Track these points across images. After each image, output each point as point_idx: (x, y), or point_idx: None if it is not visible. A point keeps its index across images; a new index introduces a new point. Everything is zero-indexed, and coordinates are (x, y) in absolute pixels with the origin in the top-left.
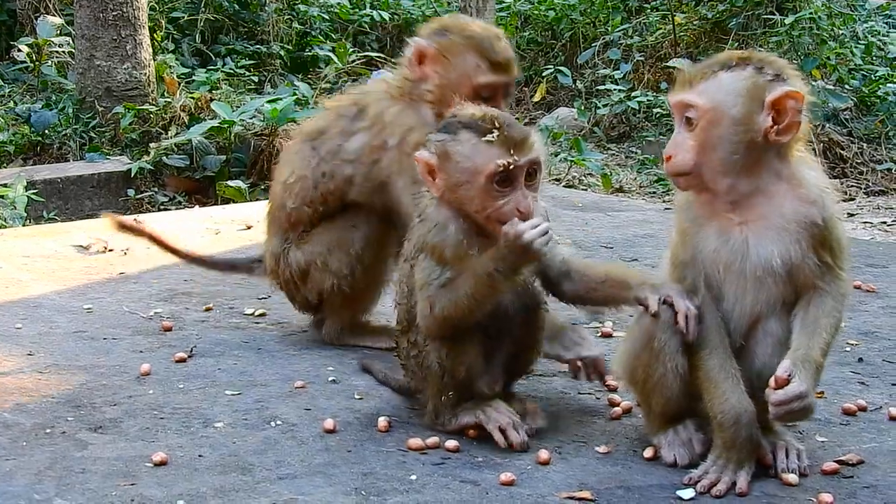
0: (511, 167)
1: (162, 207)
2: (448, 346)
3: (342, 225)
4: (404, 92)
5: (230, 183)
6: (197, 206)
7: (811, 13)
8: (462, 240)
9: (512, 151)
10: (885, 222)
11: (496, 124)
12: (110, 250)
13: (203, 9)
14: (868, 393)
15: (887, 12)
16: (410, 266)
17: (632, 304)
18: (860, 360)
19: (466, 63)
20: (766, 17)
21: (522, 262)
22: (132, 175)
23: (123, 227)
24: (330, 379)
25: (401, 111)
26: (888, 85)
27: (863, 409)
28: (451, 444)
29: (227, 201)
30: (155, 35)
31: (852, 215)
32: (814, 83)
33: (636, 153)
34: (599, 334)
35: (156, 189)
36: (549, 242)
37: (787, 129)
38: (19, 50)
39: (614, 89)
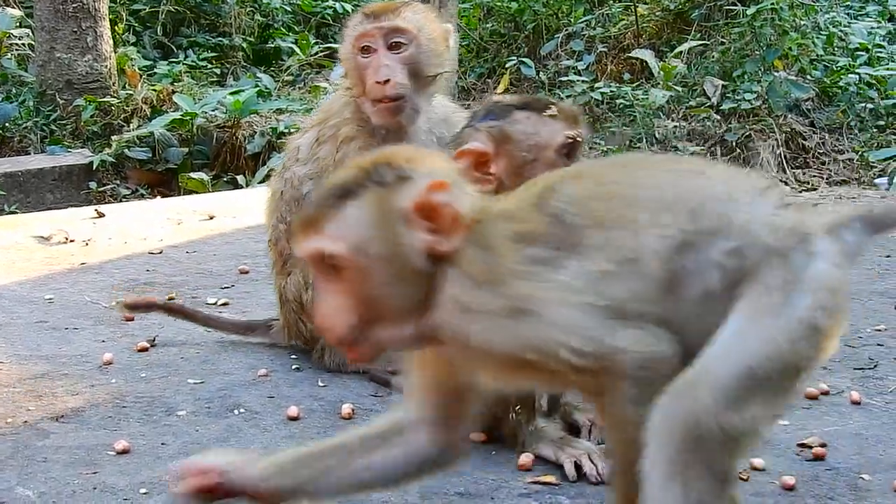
0: (578, 139)
1: (124, 200)
2: None
3: None
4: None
5: (193, 175)
6: (162, 199)
7: (773, 4)
8: None
9: (573, 124)
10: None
11: (549, 101)
12: (71, 241)
13: (164, 1)
14: (831, 377)
15: (848, 3)
16: None
17: None
18: None
19: (351, 26)
20: (728, 7)
21: None
22: (94, 168)
23: (134, 308)
24: (294, 367)
25: (332, 102)
26: (849, 75)
27: (825, 394)
28: None
29: (189, 193)
30: (116, 27)
31: (815, 205)
32: (776, 73)
33: (600, 144)
34: None
35: (118, 182)
36: None
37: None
38: None
39: (577, 80)
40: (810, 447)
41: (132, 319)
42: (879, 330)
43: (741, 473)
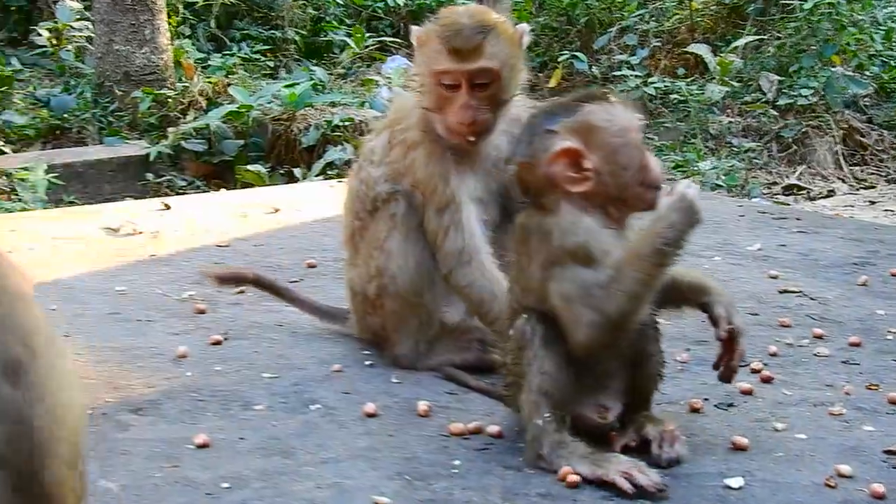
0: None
1: (181, 191)
2: (552, 355)
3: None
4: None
5: (249, 167)
6: (225, 191)
7: None
8: (603, 228)
9: (633, 109)
10: None
11: (603, 90)
12: (140, 232)
13: None
14: None
15: None
16: (535, 281)
17: (699, 309)
18: None
19: (430, 50)
20: (784, 1)
21: (690, 225)
22: (151, 159)
23: (225, 280)
24: (367, 363)
25: (411, 107)
26: None
27: None
28: (494, 429)
29: (245, 185)
30: (171, 20)
31: (873, 203)
32: (833, 69)
33: (653, 139)
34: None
35: (174, 173)
36: None
37: None
38: (39, 34)
39: (631, 75)
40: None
41: (204, 312)
42: None
43: (828, 480)
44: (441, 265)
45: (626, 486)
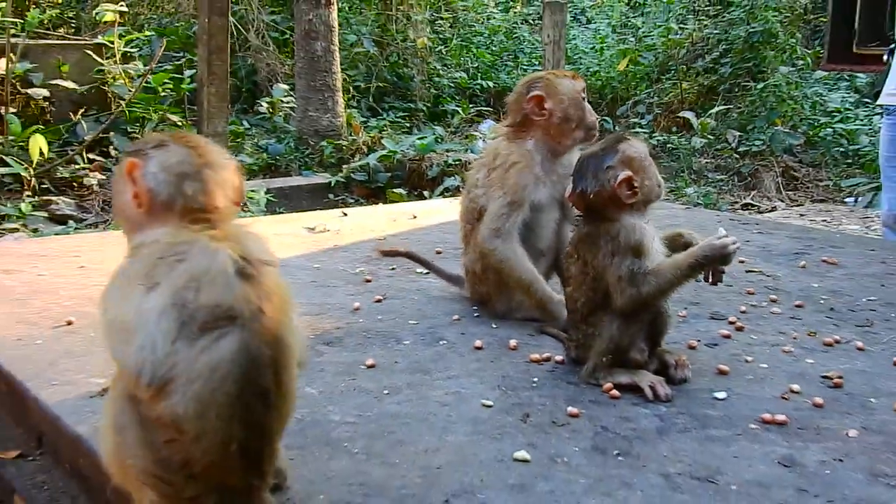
0: None
1: (350, 205)
2: (621, 321)
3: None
4: (513, 134)
5: (395, 190)
6: (380, 205)
7: (776, 81)
8: (652, 233)
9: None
10: (825, 220)
11: (620, 134)
12: (328, 230)
13: (374, 80)
14: (839, 331)
15: (825, 81)
16: (600, 268)
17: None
18: (831, 309)
19: (565, 84)
20: (743, 83)
21: (719, 259)
22: (331, 185)
23: (388, 254)
24: (475, 315)
25: (509, 145)
26: (827, 129)
27: (838, 342)
28: (559, 357)
29: (392, 202)
30: (345, 96)
31: (803, 215)
32: (776, 128)
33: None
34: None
35: (346, 194)
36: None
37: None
38: (261, 105)
39: (641, 132)
40: (831, 378)
41: (370, 281)
42: (871, 300)
43: (783, 395)
44: (481, 232)
45: (649, 393)
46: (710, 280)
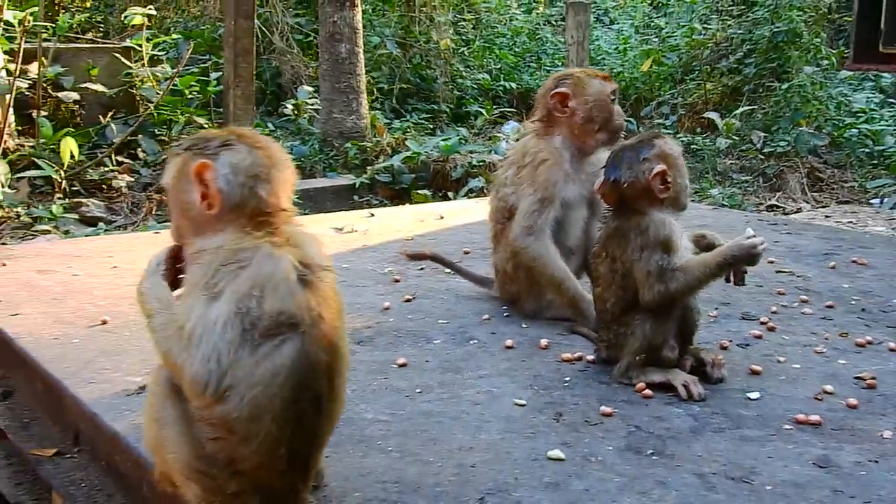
0: None
1: (375, 206)
2: (653, 320)
3: None
4: (542, 131)
5: (419, 191)
6: (407, 206)
7: (800, 82)
8: (680, 230)
9: None
10: (851, 221)
11: (652, 132)
12: (355, 231)
13: (397, 82)
14: (871, 332)
15: (850, 81)
16: (629, 263)
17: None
18: (863, 309)
19: (594, 85)
20: (768, 84)
21: (746, 259)
22: (356, 186)
23: (414, 257)
24: (505, 314)
25: (537, 142)
26: (851, 130)
27: (870, 343)
28: (590, 357)
29: (418, 203)
30: (369, 98)
31: (828, 217)
32: (801, 128)
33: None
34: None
35: (371, 195)
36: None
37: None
38: (286, 108)
39: (665, 133)
40: (864, 379)
41: (399, 281)
42: None
43: (816, 395)
44: (513, 230)
45: (683, 392)
46: (734, 280)
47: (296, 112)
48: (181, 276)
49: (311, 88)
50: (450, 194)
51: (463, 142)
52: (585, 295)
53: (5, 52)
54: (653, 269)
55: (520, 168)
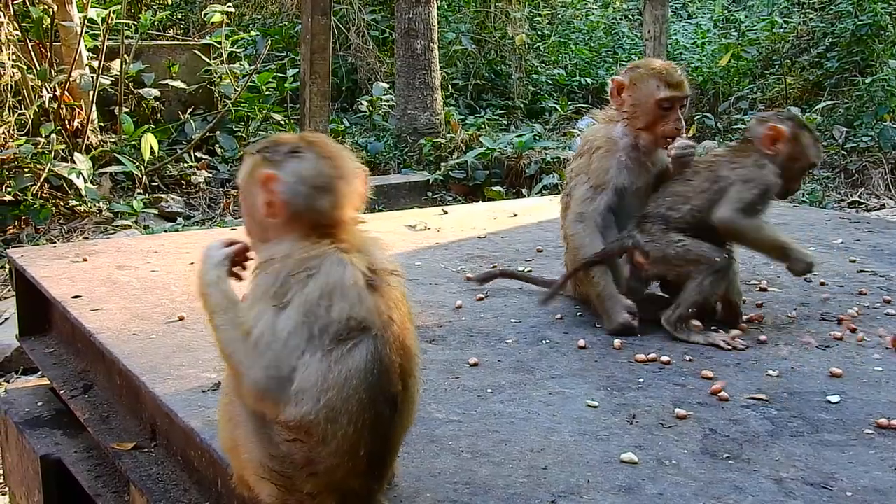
0: None
1: (448, 203)
2: (713, 277)
3: None
4: (606, 117)
5: (493, 188)
6: (480, 203)
7: (884, 76)
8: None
9: None
10: None
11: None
12: (428, 228)
13: (472, 77)
14: None
15: None
16: (732, 179)
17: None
18: None
19: (650, 86)
20: (850, 78)
21: (792, 266)
22: (430, 183)
23: (483, 280)
24: (578, 314)
25: (598, 129)
26: None
27: None
28: (665, 358)
29: (490, 199)
30: (443, 94)
31: None
32: (885, 123)
33: None
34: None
35: (444, 192)
36: None
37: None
38: (361, 104)
39: (743, 128)
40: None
41: (471, 279)
42: None
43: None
44: (567, 217)
45: (728, 348)
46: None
47: (371, 108)
48: (244, 270)
49: (386, 85)
50: (523, 191)
51: (537, 138)
52: (615, 293)
53: (89, 50)
54: (745, 197)
55: (579, 156)
